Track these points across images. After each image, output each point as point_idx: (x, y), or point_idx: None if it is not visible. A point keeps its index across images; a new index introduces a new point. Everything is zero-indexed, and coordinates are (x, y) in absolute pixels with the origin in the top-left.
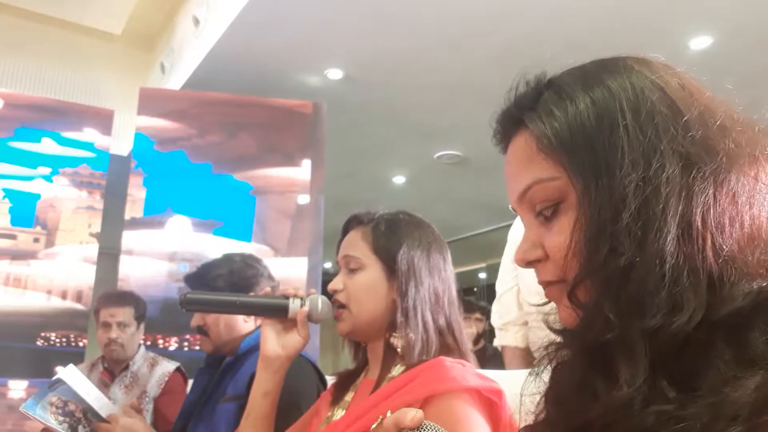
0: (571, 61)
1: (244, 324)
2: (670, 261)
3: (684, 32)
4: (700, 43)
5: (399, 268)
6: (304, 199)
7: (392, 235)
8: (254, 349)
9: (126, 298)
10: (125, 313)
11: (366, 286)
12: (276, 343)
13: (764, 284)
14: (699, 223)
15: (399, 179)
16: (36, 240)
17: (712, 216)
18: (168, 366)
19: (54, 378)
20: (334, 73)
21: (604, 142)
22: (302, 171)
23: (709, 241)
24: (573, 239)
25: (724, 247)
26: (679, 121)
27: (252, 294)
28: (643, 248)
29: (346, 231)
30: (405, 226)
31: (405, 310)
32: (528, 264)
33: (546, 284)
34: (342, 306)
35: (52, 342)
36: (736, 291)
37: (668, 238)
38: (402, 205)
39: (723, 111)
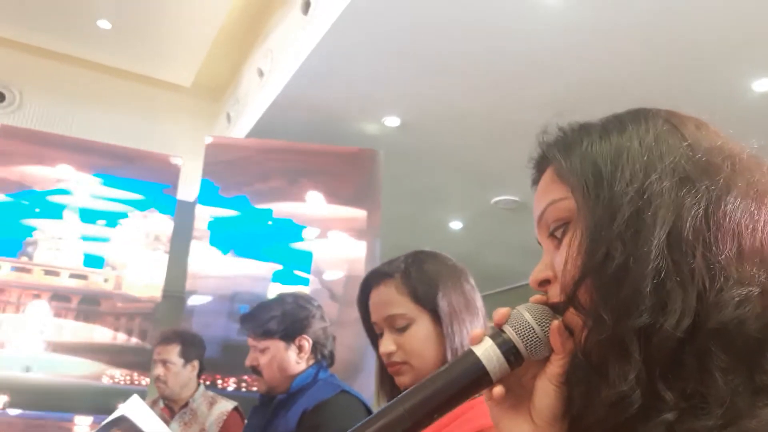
0: (628, 106)
1: (296, 365)
2: (655, 264)
3: (746, 75)
4: (763, 85)
5: (442, 311)
6: (361, 243)
7: (427, 280)
8: (306, 387)
9: (170, 336)
10: (169, 351)
11: (422, 340)
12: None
13: (753, 289)
14: (690, 235)
15: (456, 224)
16: (105, 280)
17: (704, 229)
18: (226, 405)
19: (115, 415)
20: (392, 121)
21: (609, 164)
22: (360, 216)
23: (699, 252)
24: (572, 249)
25: (719, 258)
26: (682, 146)
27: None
28: (634, 253)
29: (368, 289)
30: (432, 266)
31: (455, 351)
32: (540, 285)
33: (554, 307)
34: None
35: (116, 380)
36: (724, 298)
37: (654, 244)
38: (459, 251)
39: (733, 146)
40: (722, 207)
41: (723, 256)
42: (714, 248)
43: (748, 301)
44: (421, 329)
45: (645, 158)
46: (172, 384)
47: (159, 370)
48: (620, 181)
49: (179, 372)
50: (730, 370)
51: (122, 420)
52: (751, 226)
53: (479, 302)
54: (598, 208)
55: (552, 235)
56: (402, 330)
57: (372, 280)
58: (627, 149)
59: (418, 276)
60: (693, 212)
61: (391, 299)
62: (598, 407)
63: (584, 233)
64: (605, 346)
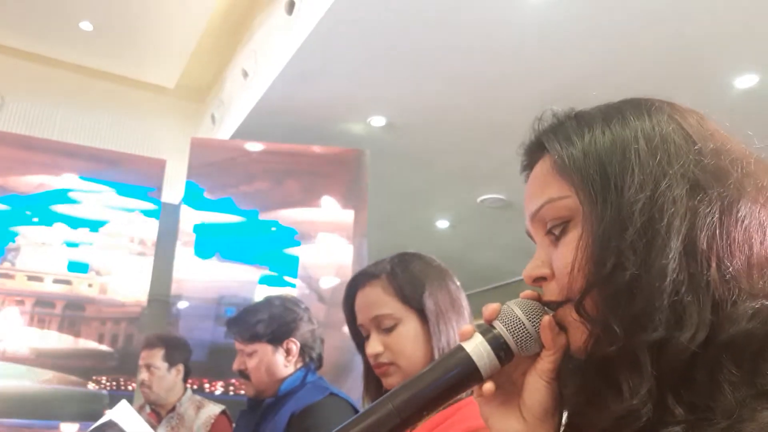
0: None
1: (284, 368)
2: (672, 277)
3: (729, 71)
4: (746, 81)
5: (428, 310)
6: (348, 243)
7: (413, 280)
8: (294, 391)
9: (153, 341)
10: (153, 356)
11: (410, 340)
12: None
13: (765, 302)
14: (704, 245)
15: (443, 223)
16: (90, 286)
17: (717, 239)
18: (214, 409)
19: (103, 420)
20: (377, 121)
21: (615, 164)
22: (346, 216)
23: (714, 263)
24: (578, 254)
25: (731, 269)
26: (691, 150)
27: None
28: (647, 264)
29: (354, 291)
30: (418, 266)
31: (441, 350)
32: (534, 282)
33: (550, 305)
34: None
35: (102, 385)
36: (738, 311)
37: (670, 256)
38: (446, 250)
39: (737, 146)
40: (734, 215)
41: (734, 267)
42: (726, 259)
43: (760, 314)
44: (409, 329)
45: (654, 161)
46: (157, 388)
47: (143, 375)
48: (629, 186)
49: (163, 376)
50: (738, 384)
51: (110, 425)
52: (760, 234)
53: (464, 302)
54: (606, 213)
55: (549, 232)
56: (389, 330)
57: (358, 282)
58: (634, 149)
59: (404, 276)
60: (707, 221)
61: (378, 300)
62: (605, 419)
63: (591, 239)
64: (615, 359)
